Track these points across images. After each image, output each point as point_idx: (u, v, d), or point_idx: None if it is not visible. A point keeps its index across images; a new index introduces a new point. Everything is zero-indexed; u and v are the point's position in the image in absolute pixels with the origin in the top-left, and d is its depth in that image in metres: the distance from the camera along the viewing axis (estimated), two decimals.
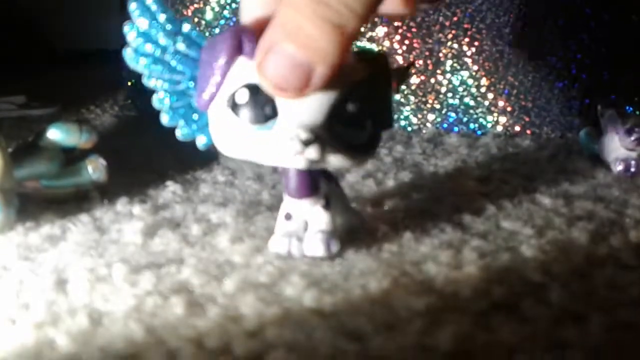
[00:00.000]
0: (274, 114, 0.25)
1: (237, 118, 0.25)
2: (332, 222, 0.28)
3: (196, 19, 0.53)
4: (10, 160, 0.31)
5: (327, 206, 0.28)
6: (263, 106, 0.25)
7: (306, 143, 0.24)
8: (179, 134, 0.28)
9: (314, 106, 0.25)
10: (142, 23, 0.27)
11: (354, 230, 0.30)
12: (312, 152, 0.24)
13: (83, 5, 0.89)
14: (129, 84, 0.57)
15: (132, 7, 0.27)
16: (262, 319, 0.23)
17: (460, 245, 0.29)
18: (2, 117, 0.56)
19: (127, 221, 0.32)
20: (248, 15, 0.26)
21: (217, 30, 0.53)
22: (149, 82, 0.27)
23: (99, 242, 0.30)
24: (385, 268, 0.27)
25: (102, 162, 0.35)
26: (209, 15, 0.53)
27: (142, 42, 0.27)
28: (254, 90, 0.25)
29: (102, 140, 0.36)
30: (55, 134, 0.34)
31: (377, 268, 0.27)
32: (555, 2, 0.49)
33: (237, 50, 0.25)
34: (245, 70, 0.25)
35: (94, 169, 0.35)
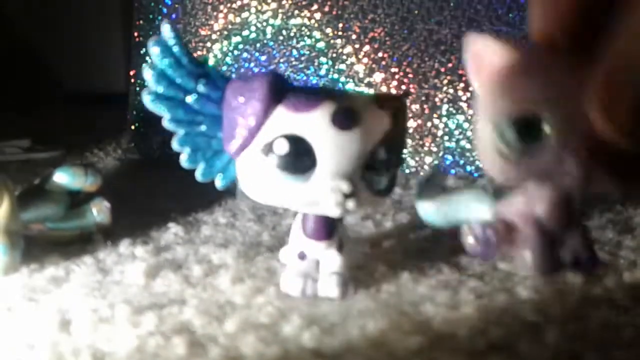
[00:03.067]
0: (312, 164, 0.25)
1: (272, 167, 0.25)
2: (345, 264, 0.28)
3: None
4: (17, 203, 0.32)
5: (340, 249, 0.28)
6: (302, 157, 0.25)
7: (348, 195, 0.25)
8: (199, 175, 0.28)
9: (351, 157, 0.25)
10: (165, 65, 0.27)
11: (352, 268, 0.30)
12: (351, 204, 0.25)
13: (88, 50, 0.91)
14: (132, 127, 0.58)
15: (155, 50, 0.27)
16: (263, 359, 0.23)
17: (457, 286, 0.29)
18: (7, 161, 0.56)
19: (129, 262, 0.32)
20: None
21: None
22: (169, 125, 0.28)
23: (102, 284, 0.30)
24: (384, 308, 0.27)
25: (106, 204, 0.36)
26: (211, 62, 0.54)
27: (163, 84, 0.27)
28: (294, 141, 0.25)
29: (106, 183, 0.37)
30: (61, 178, 0.34)
31: (375, 308, 0.27)
32: None
33: (276, 100, 0.25)
34: (284, 121, 0.25)
35: (99, 212, 0.35)
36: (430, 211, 0.28)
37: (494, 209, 0.26)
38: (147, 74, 0.27)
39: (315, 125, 0.25)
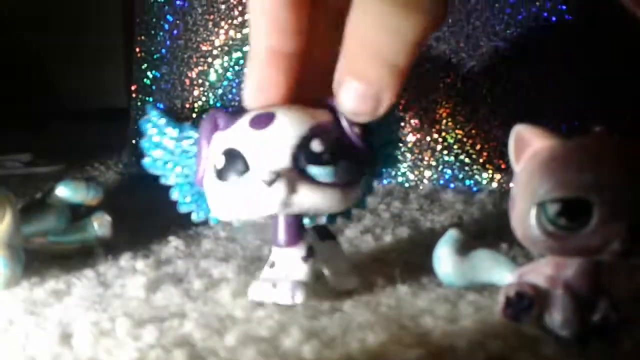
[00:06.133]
0: (246, 168, 0.27)
1: (221, 182, 0.27)
2: (309, 274, 0.28)
3: (200, 80, 0.55)
4: (19, 217, 0.32)
5: (306, 258, 0.28)
6: (236, 164, 0.27)
7: (269, 183, 0.26)
8: (194, 217, 0.31)
9: (276, 151, 0.27)
10: (155, 137, 0.32)
11: (348, 291, 0.30)
12: (277, 191, 0.26)
13: (89, 64, 0.92)
14: (133, 142, 0.58)
15: (150, 130, 0.32)
16: None
17: (456, 299, 0.29)
18: (8, 175, 0.57)
19: (130, 276, 0.33)
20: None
21: (220, 91, 0.55)
22: (166, 181, 0.32)
23: (103, 297, 0.30)
24: (383, 322, 0.27)
25: (107, 218, 0.36)
26: (212, 77, 0.55)
27: (156, 150, 0.32)
28: (228, 153, 0.27)
29: (107, 197, 0.37)
30: (63, 192, 0.35)
31: (375, 322, 0.27)
32: (545, 63, 0.51)
33: (214, 129, 0.29)
34: (221, 141, 0.28)
35: (100, 225, 0.35)
36: (448, 271, 0.29)
37: (515, 272, 0.27)
38: (145, 145, 0.32)
39: (239, 133, 0.28)
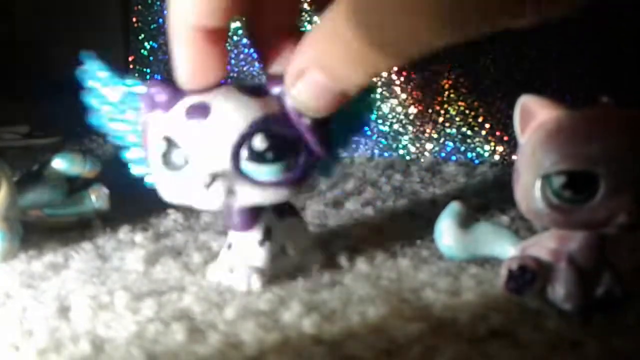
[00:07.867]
0: (186, 161, 0.25)
1: (165, 168, 0.26)
2: (266, 258, 0.28)
3: None
4: (15, 189, 0.31)
5: (263, 242, 0.28)
6: (177, 155, 0.25)
7: (207, 185, 0.25)
8: (147, 180, 0.29)
9: (215, 150, 0.25)
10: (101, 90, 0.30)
11: (310, 267, 0.29)
12: (216, 192, 0.25)
13: (86, 35, 0.91)
14: None
15: (92, 82, 0.31)
16: (262, 346, 0.23)
17: (458, 272, 0.29)
18: (6, 147, 0.56)
19: (129, 249, 0.32)
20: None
21: None
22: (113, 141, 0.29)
23: (101, 270, 0.30)
24: (384, 295, 0.27)
25: (104, 191, 0.35)
26: None
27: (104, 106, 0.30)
28: (168, 141, 0.26)
29: (104, 170, 0.37)
30: (59, 164, 0.34)
31: (375, 295, 0.27)
32: (548, 34, 0.50)
33: (152, 105, 0.26)
34: (161, 124, 0.26)
35: (97, 198, 0.35)
36: (450, 244, 0.28)
37: (518, 246, 0.27)
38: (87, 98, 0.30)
39: (176, 121, 0.26)
